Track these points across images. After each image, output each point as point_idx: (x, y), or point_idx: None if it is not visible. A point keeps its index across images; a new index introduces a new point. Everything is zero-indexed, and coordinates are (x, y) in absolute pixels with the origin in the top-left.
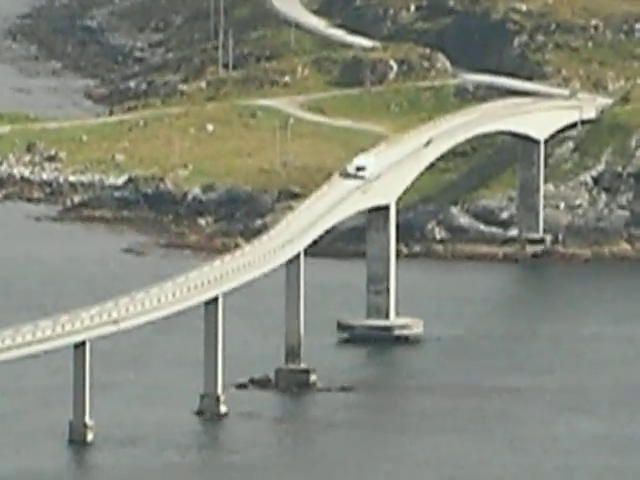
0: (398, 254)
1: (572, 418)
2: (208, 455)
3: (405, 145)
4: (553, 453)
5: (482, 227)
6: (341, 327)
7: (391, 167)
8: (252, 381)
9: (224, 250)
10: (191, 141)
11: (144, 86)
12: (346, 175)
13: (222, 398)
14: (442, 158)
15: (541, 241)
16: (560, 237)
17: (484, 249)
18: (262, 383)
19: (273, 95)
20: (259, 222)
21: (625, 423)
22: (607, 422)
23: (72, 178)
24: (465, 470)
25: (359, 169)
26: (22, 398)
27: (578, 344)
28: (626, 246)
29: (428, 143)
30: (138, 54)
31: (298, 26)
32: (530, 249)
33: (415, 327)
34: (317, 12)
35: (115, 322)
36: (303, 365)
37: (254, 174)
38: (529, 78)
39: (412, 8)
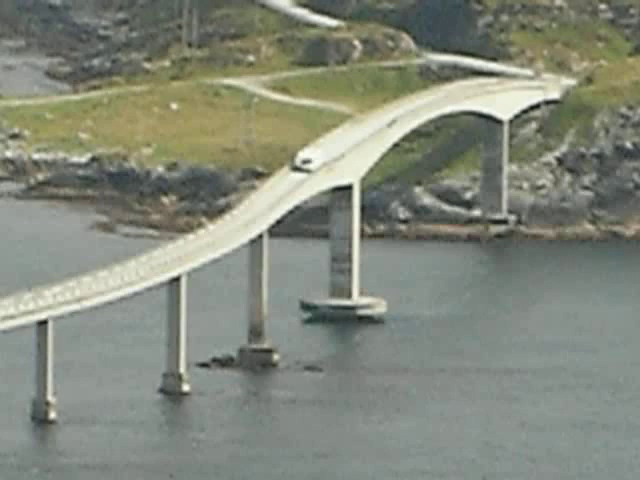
0: (362, 234)
1: (530, 397)
2: (170, 433)
3: (369, 125)
4: (511, 429)
5: (446, 207)
6: (304, 306)
7: (355, 147)
8: (215, 360)
9: (188, 229)
10: (155, 120)
11: (108, 64)
12: (293, 168)
13: (185, 377)
14: (406, 138)
15: (505, 221)
16: (523, 217)
17: (448, 229)
18: (225, 362)
19: (237, 74)
20: (223, 201)
21: (573, 406)
22: (555, 404)
23: (36, 156)
24: (426, 447)
25: (305, 162)
26: None
27: (539, 324)
28: (589, 227)
29: (392, 123)
30: (102, 32)
31: (263, 5)
32: (494, 229)
33: (378, 307)
34: None
35: (78, 300)
36: (266, 344)
37: (218, 153)
38: (493, 58)
39: None
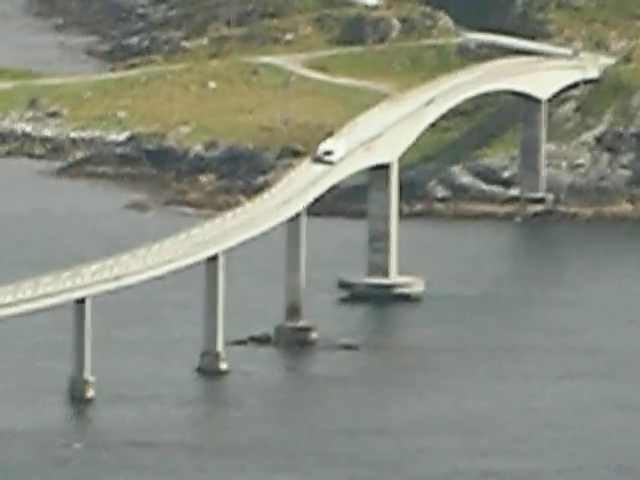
0: (399, 213)
1: (570, 378)
2: (208, 411)
3: (407, 104)
4: (550, 408)
5: (483, 186)
6: (342, 285)
7: (393, 126)
8: (252, 338)
9: (226, 207)
10: (193, 98)
11: (146, 43)
12: (315, 159)
13: (222, 355)
14: (444, 117)
15: (542, 200)
16: (561, 197)
17: (485, 208)
18: (262, 340)
19: (275, 53)
20: (261, 179)
21: (625, 383)
22: (607, 383)
23: (74, 134)
24: (465, 425)
25: (327, 153)
26: (23, 355)
27: (577, 303)
28: (627, 206)
29: (430, 102)
30: (141, 10)
31: None
32: (531, 208)
33: (416, 285)
34: None
35: (116, 279)
36: (303, 323)
37: (256, 131)
38: (532, 37)
39: None
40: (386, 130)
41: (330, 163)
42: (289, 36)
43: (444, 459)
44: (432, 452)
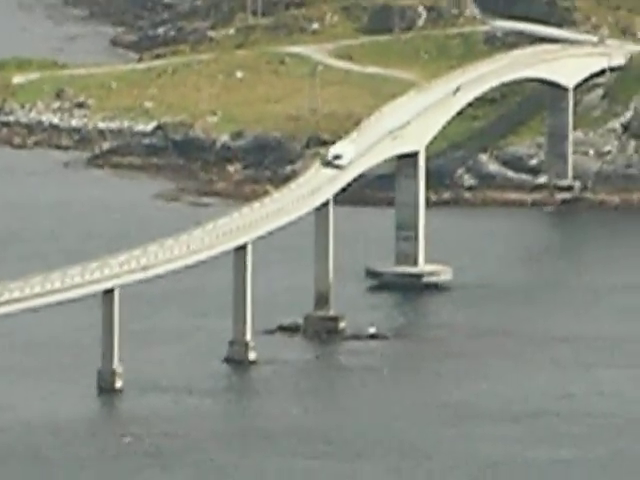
0: (427, 201)
1: (603, 366)
2: (236, 401)
3: (434, 92)
4: (584, 395)
5: (511, 174)
6: (370, 274)
7: (420, 114)
8: (281, 328)
9: (253, 197)
10: (220, 88)
11: (173, 33)
12: (324, 163)
13: (251, 345)
14: (471, 105)
15: (570, 188)
16: (589, 184)
17: (513, 196)
18: (291, 329)
19: (302, 42)
20: (288, 169)
21: None
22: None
23: (101, 125)
24: (501, 412)
25: (336, 157)
26: (52, 346)
27: (606, 292)
28: None
29: (457, 90)
30: (167, 0)
31: None
32: (559, 196)
33: (444, 274)
34: None
35: (144, 269)
36: (332, 312)
37: (283, 121)
38: (558, 25)
39: None
40: (413, 118)
41: (339, 167)
42: (316, 25)
43: (481, 447)
44: (470, 440)
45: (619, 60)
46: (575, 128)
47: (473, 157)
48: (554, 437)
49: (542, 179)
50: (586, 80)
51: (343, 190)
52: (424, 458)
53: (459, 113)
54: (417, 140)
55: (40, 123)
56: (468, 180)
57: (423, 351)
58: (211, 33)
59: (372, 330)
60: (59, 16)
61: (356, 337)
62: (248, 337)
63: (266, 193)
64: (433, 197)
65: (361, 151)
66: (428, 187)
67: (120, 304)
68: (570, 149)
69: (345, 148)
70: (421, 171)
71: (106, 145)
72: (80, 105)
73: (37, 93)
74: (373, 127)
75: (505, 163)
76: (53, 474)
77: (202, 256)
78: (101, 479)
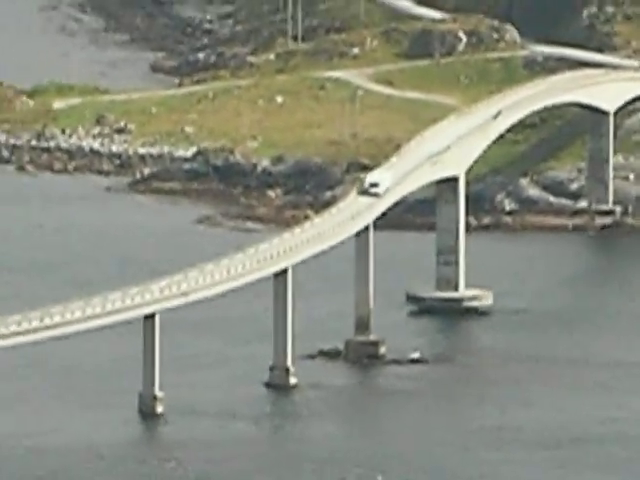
0: (467, 226)
1: (634, 393)
2: (278, 426)
3: (474, 117)
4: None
5: (551, 199)
6: (411, 299)
7: (461, 139)
8: (322, 352)
9: (293, 222)
10: (260, 113)
11: (213, 58)
12: (361, 192)
13: (291, 370)
14: (511, 130)
15: (611, 212)
16: (630, 208)
17: (553, 220)
18: (332, 355)
19: (342, 67)
20: (328, 194)
21: None
22: None
23: (141, 150)
24: (542, 437)
25: (372, 185)
26: (93, 371)
27: None
28: None
29: (497, 115)
30: (207, 26)
31: None
32: (600, 221)
33: (485, 299)
34: None
35: (184, 294)
36: (373, 337)
37: (323, 146)
38: (598, 49)
39: None
40: (453, 143)
41: (376, 195)
42: (356, 50)
43: (524, 472)
44: (512, 465)
45: None
46: (616, 153)
47: (513, 182)
48: (597, 462)
49: (582, 204)
50: (627, 104)
51: (383, 215)
52: None
53: (499, 138)
54: (457, 165)
55: (81, 148)
56: (508, 205)
57: (464, 376)
58: (251, 58)
59: (415, 355)
60: (100, 41)
61: (397, 362)
62: (289, 362)
63: (307, 218)
64: (473, 222)
65: (401, 176)
66: (468, 212)
67: (161, 330)
68: (611, 174)
69: (382, 176)
70: (461, 196)
71: (147, 170)
72: (121, 130)
73: (78, 118)
74: (413, 152)
75: (545, 188)
76: None
77: (242, 281)
78: None
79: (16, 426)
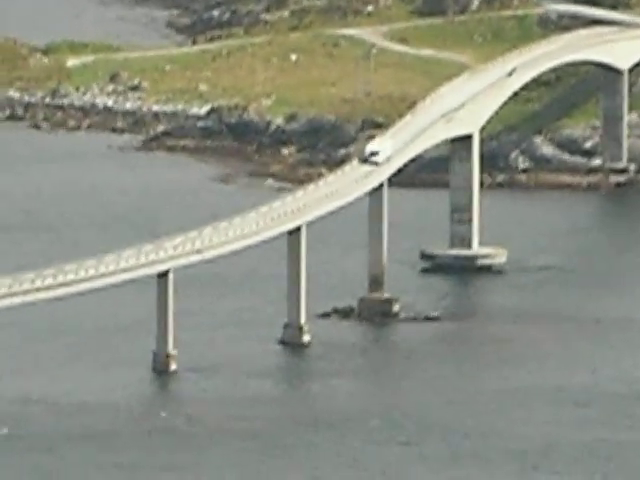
0: (481, 184)
1: None
2: (291, 384)
3: (488, 75)
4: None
5: (565, 156)
6: (424, 257)
7: (475, 97)
8: (335, 310)
9: (307, 180)
10: (274, 71)
11: (227, 16)
12: (362, 160)
13: (305, 328)
14: (525, 87)
15: (625, 170)
16: None
17: (568, 178)
18: (345, 312)
19: (356, 25)
20: (342, 152)
21: None
22: None
23: (155, 108)
24: (558, 394)
25: (373, 154)
26: (108, 328)
27: None
28: None
29: (511, 72)
30: None
31: None
32: (614, 178)
33: (498, 257)
34: None
35: (198, 252)
36: (386, 294)
37: (337, 104)
38: (612, 7)
39: None
40: (467, 101)
41: (376, 164)
42: (370, 8)
43: (542, 430)
44: (530, 423)
45: None
46: (630, 110)
47: (527, 140)
48: (615, 419)
49: (597, 162)
50: None
51: (397, 172)
52: (484, 440)
53: (513, 96)
54: (471, 123)
55: (94, 106)
56: (522, 163)
57: (477, 334)
58: (265, 16)
59: (433, 313)
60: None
61: (410, 319)
62: (302, 320)
63: (320, 176)
64: (488, 180)
65: (415, 133)
66: (482, 170)
67: (174, 287)
68: (625, 132)
69: (382, 144)
70: (475, 154)
71: (160, 128)
72: (134, 88)
73: (92, 76)
74: (427, 110)
75: (560, 146)
76: (111, 451)
77: (256, 239)
78: (163, 456)
79: (34, 386)
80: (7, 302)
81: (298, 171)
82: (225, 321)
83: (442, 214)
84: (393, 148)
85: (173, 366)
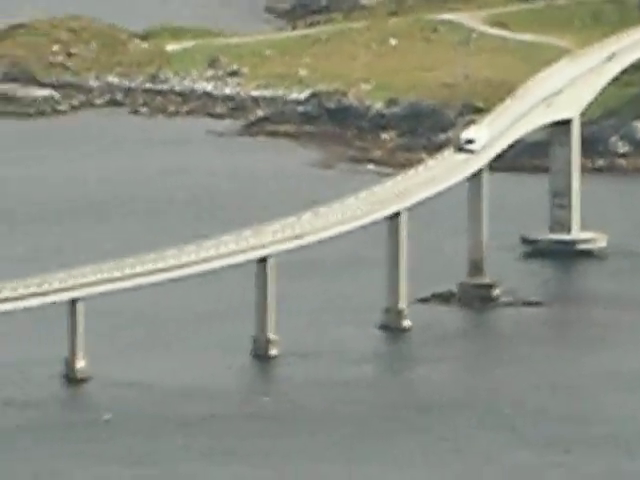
0: (581, 168)
1: None
2: (392, 369)
3: (588, 59)
4: None
5: None
6: (524, 241)
7: (574, 81)
8: (435, 295)
9: (407, 164)
10: (373, 56)
11: (326, 1)
12: (457, 148)
13: (405, 312)
14: (626, 72)
15: None
16: None
17: None
18: (445, 297)
19: (456, 9)
20: (442, 136)
21: None
22: None
23: (255, 93)
24: None
25: (468, 142)
26: (205, 313)
27: None
28: None
29: (611, 57)
30: None
31: None
32: None
33: (599, 241)
34: None
35: (298, 237)
36: (486, 279)
37: (437, 88)
38: None
39: None
40: (567, 86)
41: (471, 152)
42: None
43: None
44: (633, 408)
45: None
46: None
47: (627, 124)
48: None
49: None
50: None
51: (497, 157)
52: (586, 426)
53: (614, 80)
54: (571, 107)
55: (194, 91)
56: (622, 147)
57: (579, 319)
58: (364, 1)
59: (533, 298)
60: None
61: (511, 304)
62: (402, 305)
63: (420, 161)
64: (587, 164)
65: (515, 118)
66: (582, 154)
67: (274, 272)
68: None
69: (478, 132)
70: (575, 138)
71: (260, 113)
72: (234, 73)
73: (191, 61)
74: (528, 94)
75: None
76: (214, 437)
77: (356, 224)
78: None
79: (135, 372)
80: (109, 287)
81: (398, 156)
82: (325, 306)
83: (542, 199)
84: (489, 136)
85: (273, 351)
